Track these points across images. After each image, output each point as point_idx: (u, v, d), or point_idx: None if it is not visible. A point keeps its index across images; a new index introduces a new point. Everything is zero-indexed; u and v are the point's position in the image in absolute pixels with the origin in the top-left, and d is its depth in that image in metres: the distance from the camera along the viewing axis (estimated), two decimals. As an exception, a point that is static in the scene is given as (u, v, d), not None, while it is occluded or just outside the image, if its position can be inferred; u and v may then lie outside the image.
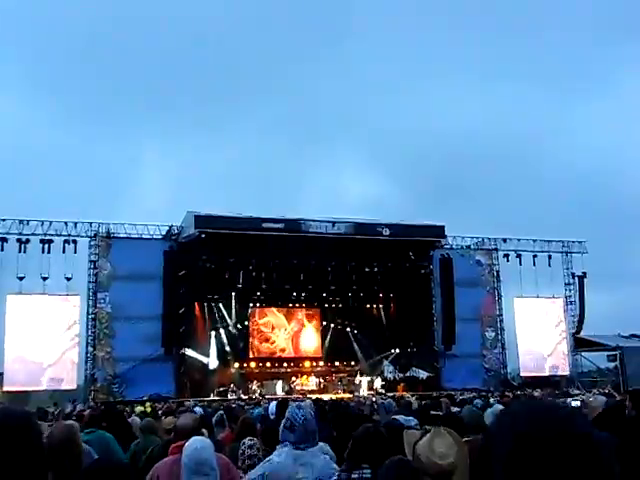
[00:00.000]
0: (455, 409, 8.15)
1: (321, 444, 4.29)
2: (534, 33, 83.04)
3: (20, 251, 26.98)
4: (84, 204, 48.62)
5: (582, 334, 34.76)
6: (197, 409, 12.02)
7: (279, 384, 31.01)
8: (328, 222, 29.04)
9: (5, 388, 26.79)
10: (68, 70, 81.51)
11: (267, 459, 3.98)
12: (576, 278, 35.11)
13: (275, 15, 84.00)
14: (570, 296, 35.23)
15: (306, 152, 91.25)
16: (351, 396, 25.20)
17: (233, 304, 32.66)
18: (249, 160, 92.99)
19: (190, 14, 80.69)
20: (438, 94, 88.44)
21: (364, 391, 30.03)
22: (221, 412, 9.10)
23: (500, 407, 6.16)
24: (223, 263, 29.41)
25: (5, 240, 27.07)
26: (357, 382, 31.99)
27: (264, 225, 28.14)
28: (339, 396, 25.95)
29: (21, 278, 26.97)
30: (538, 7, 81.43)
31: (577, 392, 17.80)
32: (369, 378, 32.71)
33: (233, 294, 32.29)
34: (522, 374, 34.29)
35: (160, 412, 12.31)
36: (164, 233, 29.45)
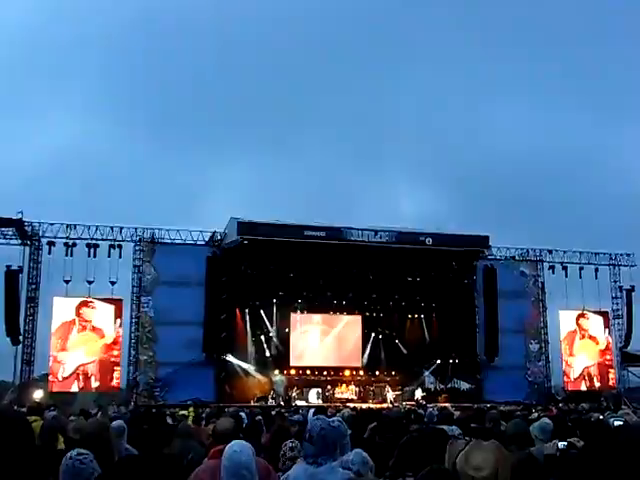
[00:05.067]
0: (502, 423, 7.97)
1: (359, 451, 4.21)
2: (592, 55, 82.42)
3: (67, 255, 27.53)
4: (134, 213, 49.41)
5: (629, 349, 33.98)
6: (242, 414, 12.09)
7: (318, 392, 30.95)
8: (370, 230, 28.95)
9: (50, 389, 27.31)
10: (132, 86, 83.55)
11: (284, 476, 3.90)
12: (624, 291, 34.36)
13: (333, 37, 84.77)
14: (617, 310, 34.48)
15: (359, 170, 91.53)
16: (391, 405, 25.00)
17: (274, 311, 32.72)
18: (302, 176, 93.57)
19: (254, 31, 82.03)
20: (487, 112, 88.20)
21: (390, 402, 29.75)
22: (259, 417, 9.14)
23: (547, 420, 6.00)
24: (265, 270, 29.54)
25: (53, 244, 27.65)
26: (386, 393, 31.76)
27: (306, 233, 28.19)
28: (379, 406, 25.76)
29: (67, 281, 27.49)
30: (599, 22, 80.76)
31: (624, 408, 17.34)
32: (409, 388, 32.51)
33: (274, 301, 32.36)
34: (566, 388, 33.64)
35: (203, 416, 12.38)
36: (207, 239, 29.74)
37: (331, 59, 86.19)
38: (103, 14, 79.51)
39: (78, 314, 27.88)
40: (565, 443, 5.11)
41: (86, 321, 27.93)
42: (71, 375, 27.26)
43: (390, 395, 31.33)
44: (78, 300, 28.05)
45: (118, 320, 28.44)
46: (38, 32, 76.76)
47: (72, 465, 3.13)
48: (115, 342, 28.22)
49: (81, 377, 27.39)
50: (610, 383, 33.90)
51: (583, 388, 33.21)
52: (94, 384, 27.66)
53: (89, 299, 28.08)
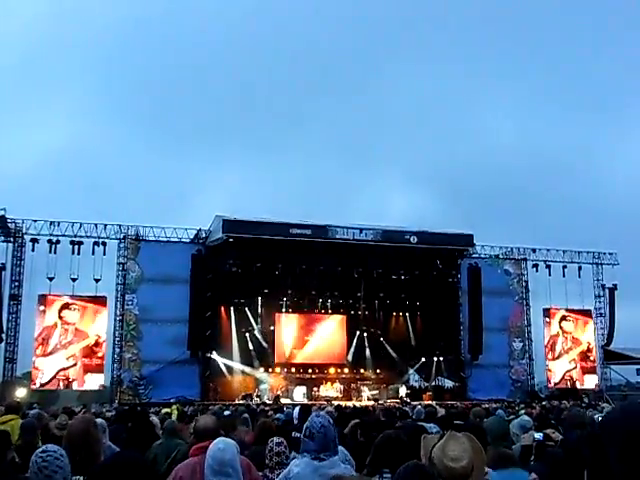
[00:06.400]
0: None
1: (341, 449, 4.25)
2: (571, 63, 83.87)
3: (50, 252, 27.33)
4: (118, 210, 49.28)
5: (612, 347, 34.23)
6: (227, 412, 12.09)
7: (303, 390, 30.97)
8: (355, 229, 28.98)
9: (33, 387, 27.14)
10: (121, 87, 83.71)
11: (287, 470, 3.93)
12: (606, 290, 34.62)
13: (321, 44, 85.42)
14: (600, 308, 34.75)
15: (351, 174, 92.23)
16: (375, 403, 25.06)
17: (259, 309, 32.68)
18: (296, 180, 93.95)
19: (244, 40, 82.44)
20: (475, 114, 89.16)
21: (386, 399, 29.84)
22: (245, 415, 9.14)
23: (527, 418, 6.07)
24: (250, 268, 29.46)
25: (36, 241, 27.44)
26: (363, 392, 31.86)
27: (291, 231, 28.18)
28: (363, 404, 25.82)
29: (51, 279, 27.29)
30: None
31: (606, 405, 17.49)
32: (394, 386, 32.59)
33: (259, 299, 32.33)
34: (549, 386, 33.85)
35: (188, 414, 12.37)
36: (192, 237, 29.63)
37: (321, 57, 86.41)
38: (97, 17, 79.45)
39: (60, 317, 27.61)
40: (541, 434, 5.17)
41: (68, 324, 27.65)
42: (54, 373, 27.05)
43: (367, 394, 31.40)
44: (60, 302, 27.78)
45: (102, 318, 28.28)
46: (33, 35, 76.62)
47: (32, 464, 3.16)
48: (97, 343, 28.00)
49: (64, 375, 27.19)
50: (592, 381, 34.11)
51: (566, 386, 33.39)
52: (78, 382, 27.46)
53: (71, 300, 27.84)
